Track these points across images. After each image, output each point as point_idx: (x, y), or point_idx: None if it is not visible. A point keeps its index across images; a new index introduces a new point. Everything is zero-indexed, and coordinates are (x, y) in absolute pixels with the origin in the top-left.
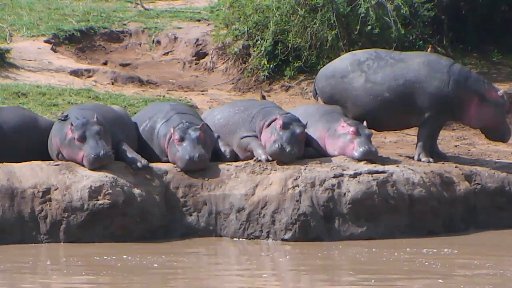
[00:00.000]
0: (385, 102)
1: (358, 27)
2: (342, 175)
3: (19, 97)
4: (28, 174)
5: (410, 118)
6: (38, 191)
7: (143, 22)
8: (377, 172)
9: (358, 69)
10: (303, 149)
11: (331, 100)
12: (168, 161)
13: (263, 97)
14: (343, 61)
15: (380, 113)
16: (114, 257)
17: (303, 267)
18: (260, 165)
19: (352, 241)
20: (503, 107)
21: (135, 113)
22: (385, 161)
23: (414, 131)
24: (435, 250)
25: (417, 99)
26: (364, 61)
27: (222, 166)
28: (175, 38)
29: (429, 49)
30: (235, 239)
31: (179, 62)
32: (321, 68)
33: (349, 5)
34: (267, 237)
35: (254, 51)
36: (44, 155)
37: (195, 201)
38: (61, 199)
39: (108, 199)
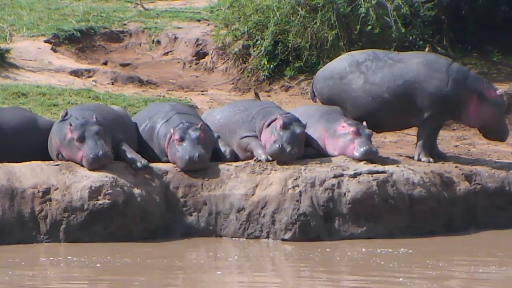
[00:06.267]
0: (384, 103)
1: (359, 27)
2: (342, 175)
3: (19, 97)
4: (28, 174)
5: (409, 118)
6: (38, 191)
7: (143, 22)
8: (377, 172)
9: (356, 70)
10: (303, 149)
11: (329, 101)
12: (168, 161)
13: (256, 94)
14: (341, 62)
15: (379, 114)
16: (114, 257)
17: (303, 267)
18: (260, 165)
19: (351, 240)
20: (502, 106)
21: (135, 113)
22: (385, 161)
23: (414, 131)
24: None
25: (416, 99)
26: (363, 62)
27: (222, 166)
28: (175, 38)
29: (427, 49)
30: (235, 239)
31: (179, 62)
32: (321, 68)
33: (349, 5)
34: (267, 237)
35: (254, 51)
36: (44, 155)
37: (195, 201)
38: (61, 199)
39: (108, 199)
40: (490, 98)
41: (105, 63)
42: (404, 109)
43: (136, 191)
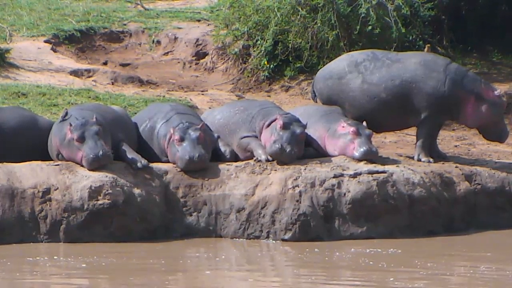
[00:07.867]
0: (382, 103)
1: (359, 27)
2: (342, 175)
3: (19, 97)
4: (28, 174)
5: (407, 118)
6: (38, 191)
7: (143, 22)
8: (377, 172)
9: (355, 70)
10: (303, 149)
11: (329, 101)
12: (168, 161)
13: (238, 97)
14: (340, 62)
15: (377, 114)
16: (114, 257)
17: (303, 267)
18: (260, 165)
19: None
20: (501, 106)
21: (135, 113)
22: (385, 161)
23: (414, 131)
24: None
25: (414, 99)
26: (361, 62)
27: (222, 166)
28: (175, 38)
29: (426, 49)
30: (235, 239)
31: (179, 62)
32: (321, 68)
33: (349, 5)
34: (267, 237)
35: (254, 51)
36: (44, 155)
37: (195, 201)
38: (61, 199)
39: (108, 199)
40: (488, 99)
41: (105, 63)
42: (401, 109)
43: (136, 191)
